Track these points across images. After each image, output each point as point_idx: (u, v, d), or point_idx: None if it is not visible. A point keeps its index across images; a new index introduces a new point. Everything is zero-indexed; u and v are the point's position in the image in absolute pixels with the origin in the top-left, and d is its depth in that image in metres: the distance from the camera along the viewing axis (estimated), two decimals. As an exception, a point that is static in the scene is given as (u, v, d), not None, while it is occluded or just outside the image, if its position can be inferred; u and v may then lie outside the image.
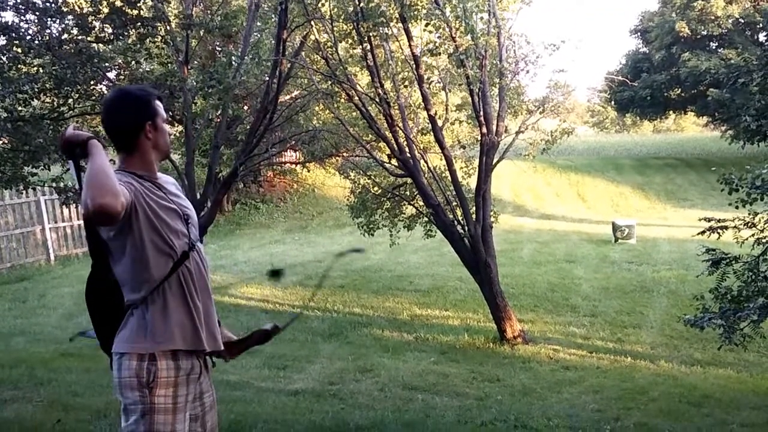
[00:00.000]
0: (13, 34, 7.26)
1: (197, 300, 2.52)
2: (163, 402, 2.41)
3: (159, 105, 2.57)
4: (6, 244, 14.40)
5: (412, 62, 9.42)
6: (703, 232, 6.64)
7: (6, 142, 7.42)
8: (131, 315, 2.46)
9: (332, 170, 21.03)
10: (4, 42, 7.34)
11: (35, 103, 8.00)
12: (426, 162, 10.13)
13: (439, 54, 9.57)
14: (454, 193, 9.93)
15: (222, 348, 2.64)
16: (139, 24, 8.13)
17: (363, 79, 12.11)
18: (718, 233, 6.55)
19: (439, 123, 9.77)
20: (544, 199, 23.28)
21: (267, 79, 9.97)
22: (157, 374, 2.40)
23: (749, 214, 6.45)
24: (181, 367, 2.46)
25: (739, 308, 6.26)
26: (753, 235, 6.53)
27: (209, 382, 2.65)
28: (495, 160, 9.91)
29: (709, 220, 6.63)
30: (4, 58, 7.25)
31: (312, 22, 9.43)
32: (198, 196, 10.32)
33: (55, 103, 7.94)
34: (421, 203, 10.31)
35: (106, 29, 8.07)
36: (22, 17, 7.60)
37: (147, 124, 2.51)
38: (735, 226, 6.48)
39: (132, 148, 2.51)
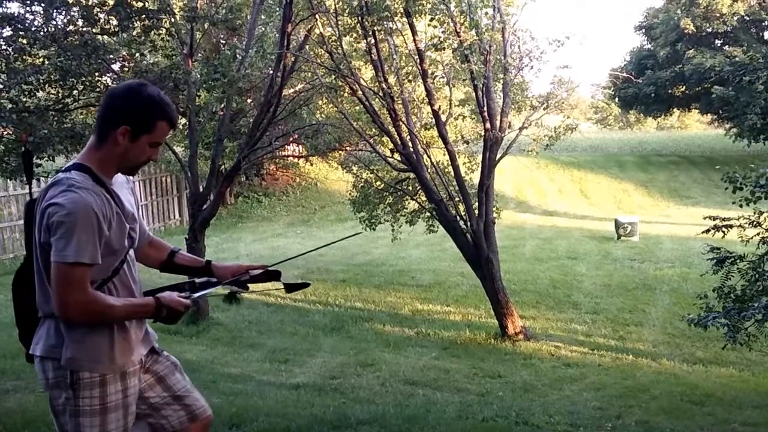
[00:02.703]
0: (19, 25, 7.24)
1: None
2: (89, 404, 2.27)
3: (161, 126, 2.30)
4: (9, 234, 14.42)
5: (417, 57, 9.40)
6: (708, 231, 6.62)
7: (11, 133, 7.41)
8: (44, 321, 2.33)
9: (335, 164, 20.95)
10: (10, 33, 7.32)
11: (40, 94, 7.98)
12: (429, 157, 10.13)
13: (444, 49, 9.55)
14: (456, 188, 9.93)
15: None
16: (144, 16, 8.11)
17: (367, 73, 12.09)
18: (723, 232, 6.53)
19: (443, 118, 9.76)
20: (547, 196, 23.26)
21: (271, 72, 9.95)
22: (79, 376, 2.27)
23: (754, 212, 6.43)
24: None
25: (743, 308, 6.24)
26: (758, 234, 6.51)
27: (159, 357, 2.55)
28: (498, 156, 9.91)
29: (714, 218, 6.61)
30: (10, 49, 7.23)
31: (316, 16, 9.42)
32: (201, 189, 10.33)
33: (60, 95, 7.93)
34: (424, 198, 10.31)
35: (111, 21, 8.05)
36: (28, 8, 7.59)
37: (124, 127, 2.25)
38: (740, 225, 6.46)
39: (101, 139, 2.30)
